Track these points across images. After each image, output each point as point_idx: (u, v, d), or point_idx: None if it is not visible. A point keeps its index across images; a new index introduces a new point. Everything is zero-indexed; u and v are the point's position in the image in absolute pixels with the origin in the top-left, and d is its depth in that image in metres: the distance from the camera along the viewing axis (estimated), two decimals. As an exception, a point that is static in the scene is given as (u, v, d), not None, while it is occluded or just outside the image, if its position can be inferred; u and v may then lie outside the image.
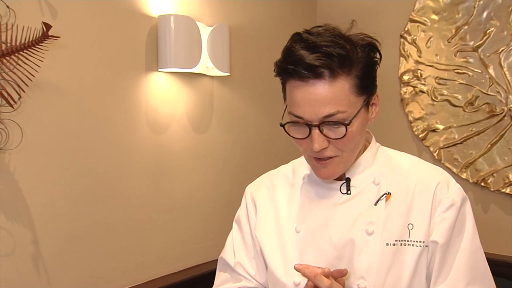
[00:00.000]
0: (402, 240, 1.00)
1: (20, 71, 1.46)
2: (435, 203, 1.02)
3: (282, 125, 1.01)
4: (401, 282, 0.99)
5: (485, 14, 2.41)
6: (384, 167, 1.08)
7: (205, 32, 2.12)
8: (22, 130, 1.54)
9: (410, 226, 1.01)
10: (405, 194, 1.03)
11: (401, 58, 2.67)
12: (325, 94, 0.94)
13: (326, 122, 0.95)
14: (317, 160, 1.01)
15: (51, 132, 1.66)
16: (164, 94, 2.07)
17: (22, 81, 1.46)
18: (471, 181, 2.45)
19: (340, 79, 0.94)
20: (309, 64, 0.92)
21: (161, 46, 1.99)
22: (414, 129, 2.64)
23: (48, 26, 1.43)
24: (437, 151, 2.58)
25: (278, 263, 1.07)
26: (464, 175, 2.50)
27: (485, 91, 2.41)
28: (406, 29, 2.65)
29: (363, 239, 1.00)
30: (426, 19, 2.59)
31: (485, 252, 1.04)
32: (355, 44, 0.98)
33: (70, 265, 1.75)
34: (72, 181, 1.74)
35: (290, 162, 1.21)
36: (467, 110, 2.49)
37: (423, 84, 2.60)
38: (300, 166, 1.16)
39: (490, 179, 2.41)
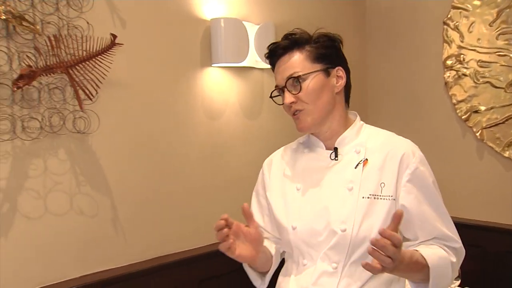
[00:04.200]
0: (375, 195, 1.27)
1: (96, 72, 1.87)
2: (402, 167, 1.28)
3: (271, 97, 1.40)
4: (374, 227, 1.25)
5: (527, -5, 2.49)
6: (365, 140, 1.35)
7: (252, 30, 2.43)
8: (99, 118, 1.96)
9: (382, 185, 1.28)
10: (379, 160, 1.30)
11: (445, 44, 2.81)
12: (286, 63, 1.34)
13: (288, 82, 1.31)
14: (293, 116, 1.36)
15: (122, 120, 2.07)
16: (217, 85, 2.42)
17: (98, 79, 1.87)
18: (513, 159, 2.56)
19: (295, 53, 1.34)
20: (280, 45, 1.36)
21: (214, 45, 2.34)
22: (458, 111, 2.78)
23: (114, 36, 1.84)
24: (480, 131, 2.70)
25: (281, 214, 1.38)
26: (506, 154, 2.61)
27: (526, 72, 2.50)
28: (449, 16, 2.78)
29: (345, 194, 1.28)
30: (468, 5, 2.70)
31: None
32: (307, 34, 1.37)
33: (141, 227, 2.15)
34: (140, 159, 2.15)
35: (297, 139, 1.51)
36: (508, 91, 2.59)
37: (466, 68, 2.73)
38: (302, 139, 1.47)
39: (532, 157, 2.51)
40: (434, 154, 2.88)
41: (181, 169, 2.30)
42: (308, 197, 1.34)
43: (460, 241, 1.32)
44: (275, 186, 1.43)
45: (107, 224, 2.05)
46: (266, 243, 1.44)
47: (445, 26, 2.80)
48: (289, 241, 1.34)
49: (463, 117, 2.75)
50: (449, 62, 2.78)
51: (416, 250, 1.24)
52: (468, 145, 2.77)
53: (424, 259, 1.21)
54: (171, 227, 2.26)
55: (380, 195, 1.27)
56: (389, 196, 1.27)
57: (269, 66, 2.44)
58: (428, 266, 1.21)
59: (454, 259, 1.28)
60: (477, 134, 2.71)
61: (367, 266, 1.07)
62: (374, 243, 1.06)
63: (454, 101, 2.78)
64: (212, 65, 2.37)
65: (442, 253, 1.27)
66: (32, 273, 1.82)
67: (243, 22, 2.38)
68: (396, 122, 3.02)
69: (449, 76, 2.79)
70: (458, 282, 1.76)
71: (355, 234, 1.24)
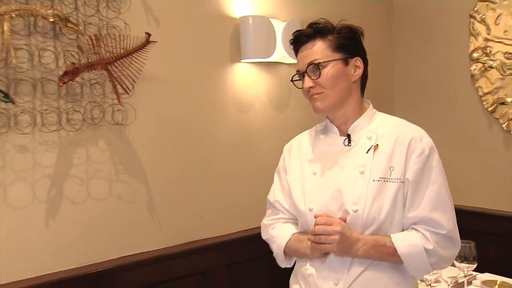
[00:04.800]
0: (385, 178, 1.36)
1: (133, 68, 2.02)
2: (410, 151, 1.36)
3: (292, 81, 1.50)
4: (383, 208, 1.34)
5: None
6: (376, 126, 1.44)
7: (280, 27, 2.54)
8: (135, 110, 2.12)
9: (392, 168, 1.36)
10: (389, 145, 1.39)
11: (471, 37, 2.84)
12: (308, 50, 1.44)
13: (309, 67, 1.41)
14: (310, 97, 1.45)
15: (156, 112, 2.22)
16: (246, 80, 2.54)
17: (134, 75, 2.03)
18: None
19: (317, 41, 1.44)
20: (304, 33, 1.46)
21: (242, 41, 2.46)
22: (484, 103, 2.81)
23: (149, 35, 1.99)
24: (507, 122, 2.72)
25: (299, 196, 1.49)
26: (533, 144, 2.62)
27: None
28: (475, 9, 2.81)
29: (357, 177, 1.38)
30: (495, -2, 2.73)
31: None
32: (331, 25, 1.46)
33: (175, 213, 2.30)
34: (174, 149, 2.29)
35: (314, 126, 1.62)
36: (535, 82, 2.60)
37: (492, 60, 2.75)
38: (319, 126, 1.57)
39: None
40: (461, 146, 2.94)
41: (212, 159, 2.44)
42: (324, 181, 1.44)
43: (449, 228, 1.34)
44: (294, 170, 1.54)
45: (143, 210, 2.21)
46: (292, 226, 1.55)
47: (472, 19, 2.83)
48: (307, 222, 1.44)
49: (489, 109, 2.78)
50: (475, 55, 2.82)
51: (389, 236, 1.35)
52: (495, 136, 2.80)
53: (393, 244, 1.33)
54: (203, 214, 2.40)
55: (389, 178, 1.36)
56: (397, 179, 1.35)
57: (295, 61, 2.57)
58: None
59: (430, 246, 1.32)
60: (504, 125, 2.73)
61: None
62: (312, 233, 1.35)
63: (480, 93, 2.81)
64: (241, 60, 2.50)
65: (415, 240, 1.33)
66: (76, 252, 2.00)
67: (271, 19, 2.49)
68: (423, 114, 3.07)
69: (475, 69, 2.82)
70: (474, 266, 1.82)
71: (366, 214, 1.34)
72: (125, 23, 2.06)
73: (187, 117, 2.34)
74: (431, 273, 1.81)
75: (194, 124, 2.37)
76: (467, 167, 2.93)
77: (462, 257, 1.83)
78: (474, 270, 1.99)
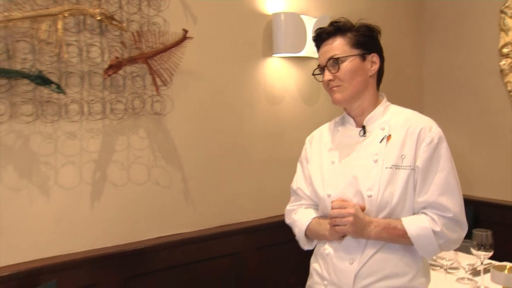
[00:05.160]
0: (397, 165, 1.46)
1: (171, 62, 2.18)
2: (419, 140, 1.46)
3: (313, 74, 1.62)
4: (395, 193, 1.45)
5: None
6: (389, 118, 1.54)
7: (310, 23, 2.66)
8: (172, 101, 2.28)
9: (403, 156, 1.47)
10: (401, 135, 1.49)
11: (501, 33, 2.87)
12: (329, 46, 1.55)
13: (329, 62, 1.53)
14: (330, 90, 1.56)
15: (192, 103, 2.38)
16: (278, 74, 2.67)
17: (172, 68, 2.19)
18: None
19: (337, 38, 1.55)
20: (325, 31, 1.56)
21: (274, 37, 2.59)
22: (513, 98, 2.84)
23: (185, 31, 2.14)
24: (535, 117, 2.75)
25: (319, 183, 1.61)
26: (561, 140, 2.65)
27: None
28: (506, 4, 2.84)
29: (371, 165, 1.49)
30: (527, -7, 2.75)
31: None
32: (351, 23, 1.56)
33: (208, 198, 2.46)
34: (208, 138, 2.45)
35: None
36: None
37: (522, 55, 2.78)
38: (338, 118, 1.68)
39: None
40: (489, 140, 2.98)
41: (244, 148, 2.58)
42: (341, 169, 1.56)
43: (455, 212, 1.44)
44: (314, 159, 1.66)
45: (179, 195, 2.38)
46: (312, 211, 1.67)
47: (502, 15, 2.86)
48: (326, 207, 1.56)
49: (518, 104, 2.81)
50: (505, 50, 2.85)
51: (399, 219, 1.45)
52: (524, 131, 2.83)
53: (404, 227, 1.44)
54: (235, 200, 2.55)
55: (401, 166, 1.46)
56: (408, 166, 1.46)
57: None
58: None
59: (438, 228, 1.42)
60: (532, 120, 2.76)
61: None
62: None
63: (509, 88, 2.84)
64: (273, 55, 2.63)
65: (423, 223, 1.43)
66: (118, 231, 2.18)
67: (301, 15, 2.61)
68: (452, 109, 3.12)
69: (504, 64, 2.85)
70: (490, 254, 1.89)
71: (379, 199, 1.45)
72: (164, 20, 2.22)
73: (221, 108, 2.49)
74: (447, 259, 1.90)
75: (228, 114, 2.52)
76: (495, 162, 2.96)
77: (479, 245, 1.91)
78: (493, 259, 2.06)
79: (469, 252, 1.95)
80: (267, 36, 2.62)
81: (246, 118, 2.59)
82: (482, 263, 1.92)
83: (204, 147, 2.44)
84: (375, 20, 3.02)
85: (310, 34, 2.65)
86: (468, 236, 1.95)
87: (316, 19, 2.67)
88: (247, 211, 2.59)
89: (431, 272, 1.99)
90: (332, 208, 1.49)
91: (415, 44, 3.38)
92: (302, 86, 2.76)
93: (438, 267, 2.04)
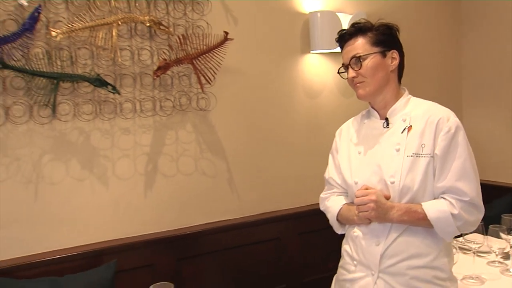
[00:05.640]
0: (417, 154, 1.58)
1: (214, 62, 2.37)
2: (438, 130, 1.57)
3: (338, 72, 1.75)
4: (415, 179, 1.57)
5: None
6: (410, 110, 1.66)
7: (346, 19, 2.77)
8: (216, 98, 2.48)
9: (423, 145, 1.58)
10: (421, 126, 1.60)
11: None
12: (351, 46, 1.67)
13: (352, 60, 1.65)
14: (354, 86, 1.69)
15: (235, 99, 2.56)
16: (315, 69, 2.81)
17: (215, 67, 2.37)
18: None
19: (359, 38, 1.66)
20: (347, 32, 1.69)
21: (311, 34, 2.72)
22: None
23: (226, 33, 2.32)
24: None
25: (347, 172, 1.74)
26: None
27: None
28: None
29: (393, 154, 1.61)
30: None
31: None
32: (370, 23, 1.67)
33: (251, 187, 2.64)
34: (251, 131, 2.63)
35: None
36: None
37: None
38: (364, 112, 1.81)
39: None
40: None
41: (284, 140, 2.74)
42: (366, 158, 1.69)
43: (472, 196, 1.53)
44: (343, 150, 1.80)
45: (224, 184, 2.57)
46: (343, 198, 1.82)
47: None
48: (353, 193, 1.70)
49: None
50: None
51: (420, 204, 1.57)
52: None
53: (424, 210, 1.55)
54: (276, 189, 2.72)
55: (421, 154, 1.58)
56: (428, 154, 1.57)
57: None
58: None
59: (455, 211, 1.52)
60: None
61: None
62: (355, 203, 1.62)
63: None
64: (311, 51, 2.77)
65: (442, 206, 1.54)
66: (169, 217, 2.40)
67: (337, 13, 2.73)
68: (491, 104, 3.14)
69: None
70: (515, 237, 1.97)
71: (401, 185, 1.57)
72: (207, 23, 2.41)
73: (262, 103, 2.66)
74: (475, 242, 1.99)
75: (269, 108, 2.68)
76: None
77: (509, 229, 1.99)
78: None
79: (498, 237, 2.03)
80: (304, 33, 2.76)
81: (286, 111, 2.74)
82: (511, 247, 2.00)
83: (247, 139, 2.62)
84: (409, 14, 3.10)
85: (346, 30, 2.77)
86: (497, 221, 2.04)
87: (351, 16, 2.78)
88: (287, 199, 2.75)
89: (462, 255, 2.10)
90: (356, 197, 1.63)
91: (453, 39, 3.42)
92: (339, 80, 2.89)
93: (469, 251, 2.13)
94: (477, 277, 1.95)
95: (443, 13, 3.38)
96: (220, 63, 2.39)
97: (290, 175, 2.76)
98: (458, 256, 1.98)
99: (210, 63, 2.37)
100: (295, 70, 2.76)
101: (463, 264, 2.04)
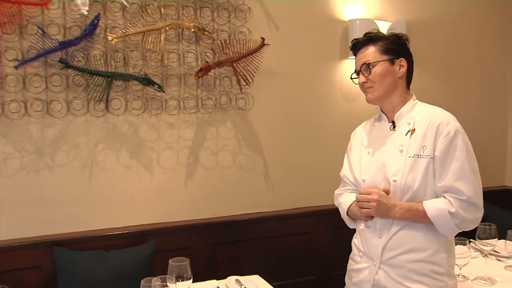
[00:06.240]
0: (418, 155, 1.69)
1: (253, 65, 2.57)
2: (438, 133, 1.67)
3: (351, 78, 1.88)
4: (416, 178, 1.68)
5: None
6: (415, 114, 1.77)
7: (385, 27, 2.88)
8: (254, 98, 2.68)
9: (424, 147, 1.69)
10: (423, 129, 1.71)
11: None
12: (363, 54, 1.79)
13: (362, 67, 1.78)
14: (364, 90, 1.82)
15: (272, 99, 2.75)
16: (353, 74, 2.93)
17: (254, 70, 2.58)
18: None
19: (370, 46, 1.79)
20: (360, 41, 1.82)
21: (350, 41, 2.85)
22: None
23: (263, 39, 2.52)
24: None
25: (357, 170, 1.88)
26: None
27: None
28: None
29: (397, 154, 1.73)
30: None
31: None
32: (381, 33, 1.80)
33: (286, 183, 2.82)
34: (287, 130, 2.81)
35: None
36: None
37: None
38: (376, 115, 1.94)
39: None
40: None
41: (319, 140, 2.90)
42: (374, 158, 1.82)
43: (469, 195, 1.62)
44: (355, 150, 1.94)
45: (260, 178, 2.77)
46: (354, 195, 1.96)
47: None
48: (362, 190, 1.85)
49: None
50: None
51: (421, 202, 1.68)
52: None
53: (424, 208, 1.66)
54: (309, 186, 2.89)
55: (422, 155, 1.69)
56: (428, 155, 1.67)
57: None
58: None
59: (453, 209, 1.62)
60: None
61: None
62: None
63: None
64: (349, 57, 2.90)
65: (441, 204, 1.64)
66: (206, 206, 2.64)
67: (376, 21, 2.84)
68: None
69: None
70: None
71: (403, 183, 1.69)
72: (248, 29, 2.62)
73: (300, 104, 2.83)
74: (487, 244, 2.05)
75: (306, 110, 2.85)
76: None
77: (528, 235, 2.04)
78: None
79: (514, 241, 2.08)
80: (344, 40, 2.90)
81: (323, 113, 2.90)
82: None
83: (283, 138, 2.80)
84: (451, 21, 3.14)
85: (384, 37, 2.87)
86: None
87: (390, 23, 2.88)
88: (319, 197, 2.90)
89: (482, 258, 2.15)
90: (359, 194, 1.77)
91: (500, 44, 3.41)
92: (377, 85, 2.99)
93: (477, 252, 2.19)
94: (488, 278, 2.02)
95: (489, 20, 3.37)
96: (258, 67, 2.59)
97: (323, 174, 2.90)
98: (470, 256, 2.04)
99: (249, 66, 2.57)
100: (334, 75, 2.90)
101: (478, 266, 2.10)
